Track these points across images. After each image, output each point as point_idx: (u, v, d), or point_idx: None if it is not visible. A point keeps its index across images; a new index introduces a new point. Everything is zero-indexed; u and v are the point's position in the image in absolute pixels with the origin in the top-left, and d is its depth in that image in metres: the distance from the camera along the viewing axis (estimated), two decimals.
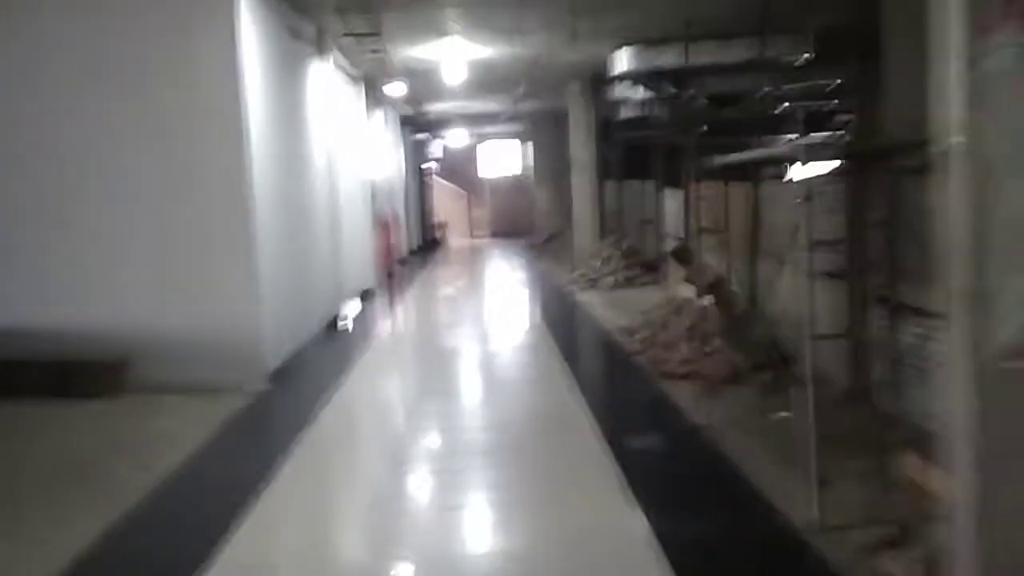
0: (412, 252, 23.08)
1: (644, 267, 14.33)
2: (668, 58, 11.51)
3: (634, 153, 16.45)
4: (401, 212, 19.67)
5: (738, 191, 8.76)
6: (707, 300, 8.09)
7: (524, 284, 16.25)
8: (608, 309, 11.63)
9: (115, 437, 6.06)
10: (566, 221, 22.79)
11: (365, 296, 13.66)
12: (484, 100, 19.07)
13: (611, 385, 8.02)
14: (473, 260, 22.47)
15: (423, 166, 27.27)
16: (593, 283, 14.13)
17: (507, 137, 29.39)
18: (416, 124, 24.79)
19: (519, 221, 29.26)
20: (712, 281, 8.00)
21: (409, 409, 7.42)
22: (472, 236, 30.06)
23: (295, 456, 5.61)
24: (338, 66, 12.30)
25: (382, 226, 16.65)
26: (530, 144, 26.75)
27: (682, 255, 9.23)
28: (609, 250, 15.14)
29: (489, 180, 31.26)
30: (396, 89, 14.32)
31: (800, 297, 4.78)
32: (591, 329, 10.66)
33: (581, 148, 15.62)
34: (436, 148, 28.79)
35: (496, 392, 7.95)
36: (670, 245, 12.09)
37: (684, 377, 7.19)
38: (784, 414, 5.70)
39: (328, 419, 6.67)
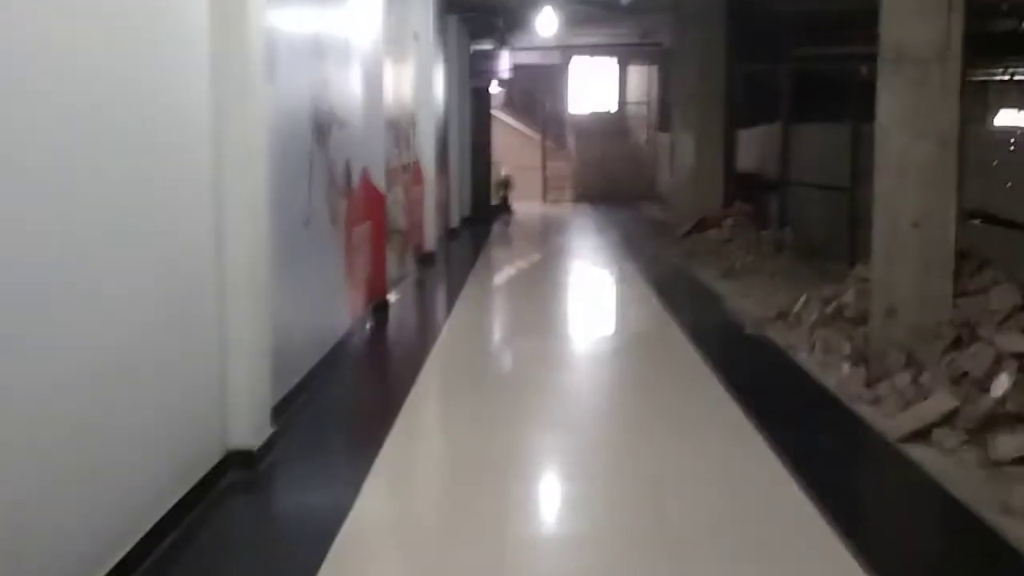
0: (454, 231, 13.67)
1: None
2: None
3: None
4: (429, 162, 10.21)
5: None
6: None
7: (731, 379, 5.63)
8: None
9: None
10: (731, 193, 12.95)
11: (246, 464, 4.26)
12: None
13: None
14: (568, 258, 12.64)
15: (483, 90, 17.57)
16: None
17: (611, 54, 19.59)
18: (474, 22, 15.23)
19: (619, 181, 20.39)
20: None
21: None
22: (547, 200, 20.38)
23: None
24: None
25: (353, 197, 7.11)
26: (656, 67, 16.73)
27: None
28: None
29: (577, 118, 21.45)
30: None
31: None
32: None
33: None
34: (504, 63, 18.99)
35: None
36: None
37: None
38: None
39: None
